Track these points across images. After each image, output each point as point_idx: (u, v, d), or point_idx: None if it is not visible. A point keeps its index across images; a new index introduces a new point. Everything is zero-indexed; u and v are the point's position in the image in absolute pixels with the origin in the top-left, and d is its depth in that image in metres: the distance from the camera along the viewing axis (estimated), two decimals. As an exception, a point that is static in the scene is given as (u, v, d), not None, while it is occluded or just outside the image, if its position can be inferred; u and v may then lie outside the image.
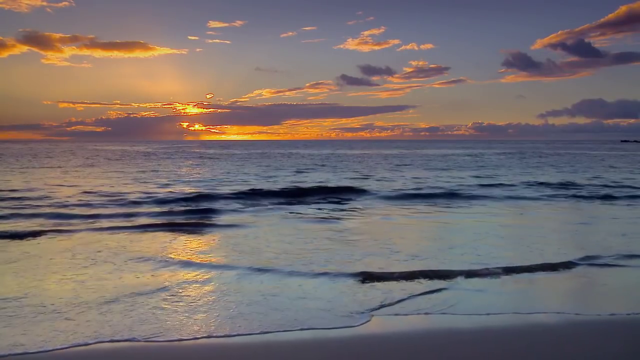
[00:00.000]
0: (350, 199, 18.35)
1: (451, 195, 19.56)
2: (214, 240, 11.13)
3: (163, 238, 11.05)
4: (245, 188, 21.47)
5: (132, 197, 17.95)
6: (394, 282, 7.47)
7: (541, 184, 23.77)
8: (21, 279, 7.65)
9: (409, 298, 6.71)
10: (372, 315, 6.08)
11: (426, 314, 6.16)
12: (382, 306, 6.41)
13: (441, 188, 21.68)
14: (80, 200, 17.21)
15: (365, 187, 21.22)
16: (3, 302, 6.49)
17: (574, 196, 19.73)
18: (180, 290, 7.05)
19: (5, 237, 10.98)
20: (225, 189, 20.89)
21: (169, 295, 6.79)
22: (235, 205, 16.57)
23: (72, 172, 31.31)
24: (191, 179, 26.91)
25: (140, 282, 7.44)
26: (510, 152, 77.47)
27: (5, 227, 12.10)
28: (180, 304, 6.50)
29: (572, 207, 17.23)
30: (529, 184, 23.54)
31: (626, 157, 57.16)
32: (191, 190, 20.47)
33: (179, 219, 13.86)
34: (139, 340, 5.31)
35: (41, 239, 10.92)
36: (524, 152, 77.39)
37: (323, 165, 41.55)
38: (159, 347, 5.18)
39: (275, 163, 45.77)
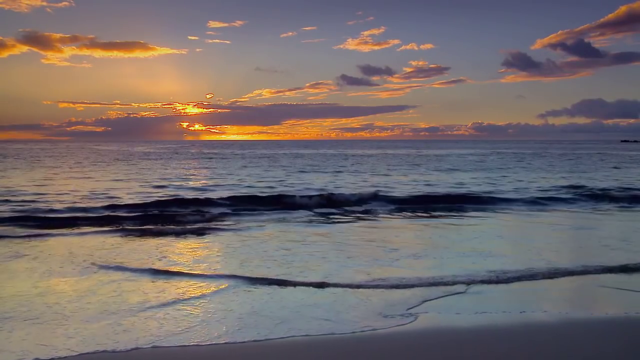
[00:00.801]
0: (363, 203, 17.46)
1: (475, 199, 18.62)
2: (214, 247, 10.82)
3: (158, 244, 10.59)
4: (251, 191, 20.93)
5: (125, 200, 17.38)
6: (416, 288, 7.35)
7: (568, 187, 22.57)
8: (10, 285, 7.41)
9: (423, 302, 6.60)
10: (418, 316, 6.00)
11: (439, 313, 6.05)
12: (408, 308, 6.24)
13: (468, 191, 20.88)
14: (66, 202, 16.74)
15: (378, 191, 19.99)
16: None
17: (596, 198, 19.09)
18: (182, 299, 6.77)
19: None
20: (225, 193, 20.33)
21: (171, 304, 6.52)
22: (234, 210, 15.79)
23: (66, 173, 30.86)
24: (191, 182, 26.43)
25: (138, 291, 7.15)
26: (515, 152, 76.90)
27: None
28: (185, 311, 6.25)
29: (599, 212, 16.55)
30: (558, 188, 22.26)
31: (633, 158, 56.65)
32: (189, 195, 19.94)
33: (176, 224, 13.26)
34: (146, 348, 5.06)
35: (31, 243, 10.63)
36: (531, 152, 76.71)
37: (327, 166, 41.09)
38: (171, 353, 4.95)
39: (278, 164, 45.37)
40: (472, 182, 25.27)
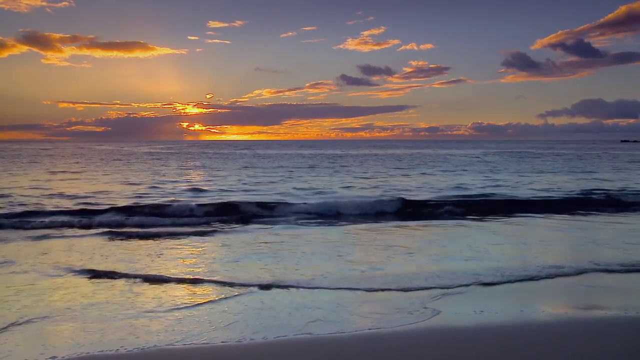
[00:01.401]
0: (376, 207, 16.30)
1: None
2: (212, 251, 10.70)
3: (153, 248, 10.32)
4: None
5: (118, 202, 16.82)
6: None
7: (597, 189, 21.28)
8: (18, 286, 7.45)
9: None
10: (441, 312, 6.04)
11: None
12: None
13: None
14: (59, 204, 16.40)
15: (399, 195, 18.66)
16: None
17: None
18: (187, 303, 6.83)
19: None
20: (224, 195, 19.60)
21: (178, 308, 6.56)
22: (230, 215, 14.91)
23: (63, 175, 30.28)
24: (187, 184, 25.71)
25: (144, 293, 7.17)
26: (521, 152, 75.79)
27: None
28: (191, 314, 6.33)
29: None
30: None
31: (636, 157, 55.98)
32: (184, 198, 19.25)
33: (173, 227, 12.91)
34: (159, 347, 5.15)
35: (25, 245, 10.56)
36: (538, 152, 75.67)
37: (333, 166, 40.45)
38: (180, 353, 5.02)
39: (280, 164, 44.82)
40: (496, 184, 24.18)
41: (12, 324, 5.75)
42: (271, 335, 5.48)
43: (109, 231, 12.08)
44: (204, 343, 5.27)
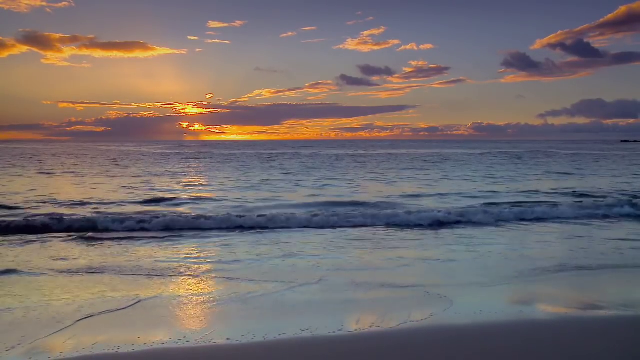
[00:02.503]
0: None
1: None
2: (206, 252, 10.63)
3: (142, 250, 10.13)
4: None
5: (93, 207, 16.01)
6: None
7: None
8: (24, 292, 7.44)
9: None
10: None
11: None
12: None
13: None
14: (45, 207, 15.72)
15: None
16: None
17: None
18: (191, 301, 6.89)
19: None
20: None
21: (186, 304, 6.63)
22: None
23: (58, 176, 29.50)
24: (179, 189, 24.76)
25: (142, 294, 7.21)
26: (530, 152, 74.89)
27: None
28: (192, 313, 6.32)
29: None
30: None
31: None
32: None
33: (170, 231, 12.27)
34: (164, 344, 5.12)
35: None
36: (548, 152, 74.66)
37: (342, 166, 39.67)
38: (182, 352, 4.98)
39: (282, 165, 44.08)
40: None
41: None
42: (272, 334, 5.43)
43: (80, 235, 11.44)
44: (205, 342, 5.24)
